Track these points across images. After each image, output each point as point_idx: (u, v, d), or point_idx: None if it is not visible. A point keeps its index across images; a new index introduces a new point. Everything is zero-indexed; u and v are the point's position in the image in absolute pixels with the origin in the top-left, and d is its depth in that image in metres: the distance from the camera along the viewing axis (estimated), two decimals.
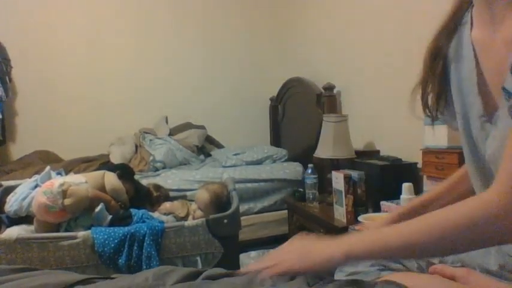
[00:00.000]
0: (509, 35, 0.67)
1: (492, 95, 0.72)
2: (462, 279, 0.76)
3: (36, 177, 1.95)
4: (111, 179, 1.91)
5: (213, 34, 3.70)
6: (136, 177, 2.24)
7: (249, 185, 2.72)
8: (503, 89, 0.67)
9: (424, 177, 1.82)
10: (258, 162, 3.01)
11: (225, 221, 1.73)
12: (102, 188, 1.85)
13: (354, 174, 1.97)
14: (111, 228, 1.68)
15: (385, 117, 2.36)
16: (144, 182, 2.38)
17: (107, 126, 3.41)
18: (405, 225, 0.70)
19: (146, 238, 1.66)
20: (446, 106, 0.84)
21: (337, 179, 2.00)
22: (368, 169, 2.02)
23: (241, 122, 3.76)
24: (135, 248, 1.65)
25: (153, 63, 3.58)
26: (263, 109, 3.78)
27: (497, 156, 0.70)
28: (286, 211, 2.62)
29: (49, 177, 1.91)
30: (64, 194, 1.70)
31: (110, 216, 1.78)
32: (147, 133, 3.28)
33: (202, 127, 3.49)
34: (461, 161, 1.67)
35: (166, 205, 2.06)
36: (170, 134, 3.33)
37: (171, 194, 2.30)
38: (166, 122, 3.51)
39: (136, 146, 3.21)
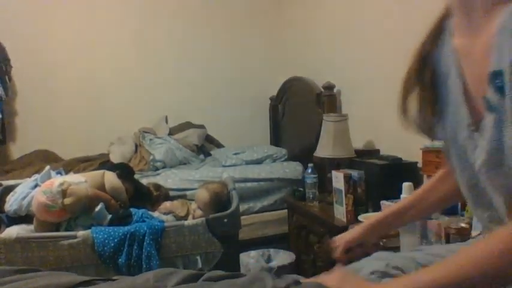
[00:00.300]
0: (487, 43, 0.66)
1: (477, 103, 0.71)
2: None
3: (36, 176, 1.95)
4: (110, 179, 1.91)
5: (213, 33, 3.69)
6: (136, 176, 2.24)
7: (249, 184, 2.72)
8: (484, 98, 0.67)
9: (425, 176, 1.82)
10: (258, 161, 3.01)
11: (225, 220, 1.73)
12: (102, 188, 1.85)
13: (354, 173, 1.97)
14: (111, 227, 1.68)
15: (385, 116, 2.35)
16: (144, 181, 2.38)
17: (106, 125, 3.41)
18: (451, 262, 0.67)
19: (146, 237, 1.66)
20: (434, 114, 0.83)
21: (337, 178, 2.00)
22: (368, 168, 2.02)
23: (241, 122, 3.76)
24: (135, 247, 1.65)
25: (152, 63, 3.57)
26: (263, 108, 3.77)
27: (487, 169, 0.69)
28: (286, 210, 2.62)
29: (49, 177, 1.91)
30: (64, 193, 1.70)
31: (109, 216, 1.78)
32: (146, 132, 3.28)
33: (202, 126, 3.48)
34: None
35: (166, 204, 2.06)
36: (170, 134, 3.33)
37: (171, 193, 2.30)
38: (166, 121, 3.50)
39: (136, 146, 3.21)
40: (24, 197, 1.81)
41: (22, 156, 3.16)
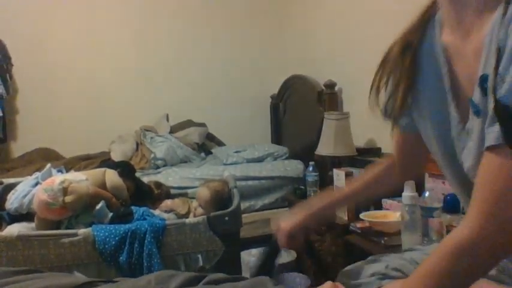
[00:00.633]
0: (478, 45, 0.65)
1: (466, 102, 0.70)
2: None
3: (37, 174, 1.95)
4: (112, 177, 1.90)
5: (214, 32, 3.69)
6: (137, 174, 2.24)
7: (250, 182, 2.72)
8: (471, 101, 0.66)
9: (426, 174, 1.82)
10: (259, 159, 3.00)
11: (226, 218, 1.72)
12: (103, 186, 1.85)
13: (355, 171, 1.97)
14: (112, 225, 1.68)
15: None
16: (145, 179, 2.38)
17: (107, 124, 3.41)
18: (407, 282, 0.68)
19: (147, 235, 1.65)
20: (413, 104, 0.82)
21: (339, 176, 2.00)
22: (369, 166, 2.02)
23: (242, 120, 3.75)
24: (136, 245, 1.65)
25: (153, 62, 3.57)
26: (264, 107, 3.77)
27: (476, 172, 0.68)
28: (287, 209, 2.62)
29: (50, 175, 1.91)
30: (65, 191, 1.70)
31: (110, 214, 1.78)
32: (147, 131, 3.28)
33: (203, 125, 3.48)
34: None
35: (167, 202, 2.05)
36: (171, 132, 3.33)
37: (172, 191, 2.29)
38: (167, 119, 3.50)
39: (137, 144, 3.21)
40: (25, 195, 1.81)
41: (23, 154, 3.17)
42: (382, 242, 1.56)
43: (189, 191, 2.38)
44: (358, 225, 1.76)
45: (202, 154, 3.28)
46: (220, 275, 0.84)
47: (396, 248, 1.36)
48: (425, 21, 0.79)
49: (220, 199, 1.93)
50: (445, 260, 0.62)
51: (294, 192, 2.57)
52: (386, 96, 0.85)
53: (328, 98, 2.72)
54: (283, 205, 2.71)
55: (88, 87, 3.43)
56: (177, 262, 1.69)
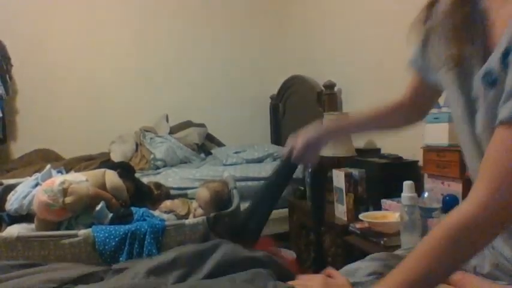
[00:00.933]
0: (509, 13, 0.64)
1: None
2: (458, 283, 0.76)
3: (37, 175, 1.95)
4: (111, 177, 1.90)
5: (214, 32, 3.69)
6: (136, 175, 2.24)
7: (250, 183, 2.72)
8: (488, 70, 0.65)
9: (425, 175, 1.82)
10: (259, 160, 3.00)
11: (226, 219, 1.72)
12: (103, 186, 1.85)
13: (355, 172, 1.97)
14: (112, 226, 1.68)
15: None
16: (145, 180, 2.38)
17: (107, 124, 3.41)
18: (403, 265, 0.67)
19: (147, 236, 1.65)
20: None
21: (338, 177, 2.00)
22: (369, 167, 2.02)
23: (242, 120, 3.76)
24: (136, 246, 1.65)
25: (153, 62, 3.58)
26: (264, 107, 3.77)
27: (485, 137, 0.69)
28: (286, 209, 2.62)
29: (50, 176, 1.91)
30: (65, 192, 1.70)
31: (110, 215, 1.78)
32: (147, 131, 3.28)
33: (202, 125, 3.48)
34: (462, 159, 1.67)
35: (167, 203, 2.05)
36: (170, 132, 3.33)
37: (172, 192, 2.29)
38: (167, 120, 3.50)
39: (136, 145, 3.21)
40: (25, 196, 1.81)
41: (23, 155, 3.17)
42: (382, 242, 1.57)
43: (188, 191, 2.38)
44: (358, 225, 1.77)
45: (202, 155, 3.28)
46: (236, 251, 0.84)
47: (395, 249, 1.36)
48: None
49: (220, 200, 1.93)
50: (445, 239, 0.62)
51: (294, 192, 2.57)
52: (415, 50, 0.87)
53: (328, 98, 2.72)
54: (283, 206, 2.71)
55: (88, 87, 3.43)
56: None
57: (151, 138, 3.17)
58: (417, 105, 1.05)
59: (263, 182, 1.15)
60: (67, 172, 2.17)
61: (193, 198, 2.08)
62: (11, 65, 3.13)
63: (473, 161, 0.79)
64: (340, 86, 2.78)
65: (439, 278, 0.64)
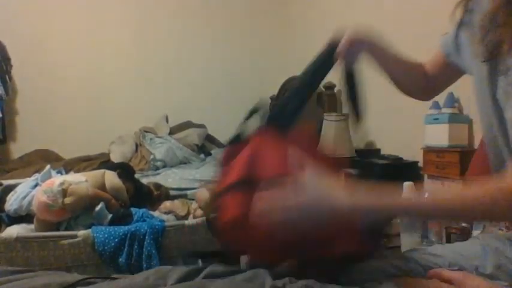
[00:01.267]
0: None
1: None
2: (459, 283, 0.76)
3: (37, 176, 1.95)
4: (111, 178, 1.90)
5: (214, 33, 3.69)
6: (136, 176, 2.24)
7: None
8: None
9: (425, 176, 1.82)
10: None
11: None
12: (103, 187, 1.85)
13: (355, 172, 1.96)
14: (112, 227, 1.68)
15: (386, 116, 2.36)
16: (145, 180, 2.37)
17: (107, 125, 3.41)
18: (442, 196, 0.76)
19: (146, 237, 1.65)
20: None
21: (338, 177, 2.00)
22: (369, 168, 2.02)
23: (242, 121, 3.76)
24: (136, 247, 1.65)
25: (153, 63, 3.57)
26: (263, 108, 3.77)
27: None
28: None
29: (49, 176, 1.91)
30: (64, 192, 1.70)
31: (110, 215, 1.78)
32: (147, 132, 3.28)
33: (202, 126, 3.48)
34: (462, 160, 1.67)
35: (167, 204, 2.05)
36: (170, 133, 3.33)
37: (172, 193, 2.29)
38: (167, 120, 3.50)
39: (136, 145, 3.21)
40: (25, 197, 1.81)
41: (22, 156, 3.16)
42: (382, 243, 1.56)
43: (188, 192, 2.38)
44: None
45: (202, 155, 3.27)
46: (219, 268, 0.83)
47: (395, 249, 1.36)
48: None
49: None
50: (485, 196, 0.69)
51: None
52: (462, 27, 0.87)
53: (328, 99, 2.72)
54: None
55: (87, 88, 3.43)
56: (176, 264, 1.69)
57: (151, 139, 3.17)
58: (432, 80, 1.06)
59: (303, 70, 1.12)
60: (67, 173, 2.17)
61: (193, 199, 2.08)
62: (11, 66, 3.13)
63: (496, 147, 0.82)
64: (340, 87, 2.78)
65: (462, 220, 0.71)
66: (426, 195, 0.79)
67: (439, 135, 1.75)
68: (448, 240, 1.35)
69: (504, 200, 0.68)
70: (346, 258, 0.84)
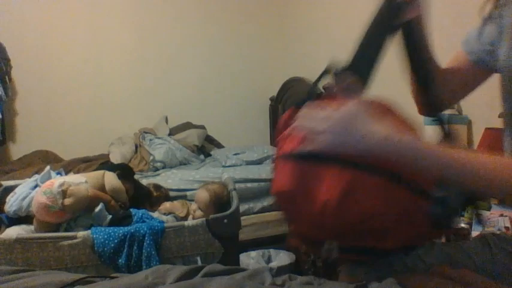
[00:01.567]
0: None
1: None
2: (461, 280, 0.76)
3: (36, 177, 1.95)
4: (111, 179, 1.90)
5: (213, 34, 3.70)
6: (136, 177, 2.24)
7: (249, 184, 2.72)
8: None
9: None
10: (258, 162, 3.01)
11: (225, 220, 1.72)
12: (102, 188, 1.85)
13: None
14: (111, 228, 1.68)
15: None
16: (144, 181, 2.38)
17: (106, 126, 3.41)
18: (466, 157, 0.70)
19: (146, 238, 1.65)
20: None
21: None
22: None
23: (241, 122, 3.76)
24: (135, 248, 1.65)
25: (153, 63, 3.58)
26: (263, 109, 3.77)
27: None
28: None
29: (49, 177, 1.91)
30: (64, 193, 1.70)
31: (109, 216, 1.78)
32: (147, 133, 3.28)
33: (202, 127, 3.48)
34: None
35: (166, 205, 2.05)
36: (170, 134, 3.33)
37: (171, 193, 2.29)
38: (166, 121, 3.50)
39: (136, 146, 3.21)
40: (24, 198, 1.80)
41: (22, 157, 3.16)
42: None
43: (188, 193, 2.38)
44: None
45: (202, 156, 3.28)
46: (218, 267, 0.83)
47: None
48: None
49: (219, 201, 1.93)
50: (506, 168, 0.67)
51: None
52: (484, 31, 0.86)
53: None
54: None
55: (87, 89, 3.43)
56: (176, 264, 1.69)
57: (150, 140, 3.17)
58: (455, 84, 0.99)
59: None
60: (66, 173, 2.17)
61: (192, 200, 2.08)
62: (11, 67, 3.13)
63: None
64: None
65: (474, 188, 0.71)
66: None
67: (439, 136, 1.74)
68: (448, 241, 1.35)
69: None
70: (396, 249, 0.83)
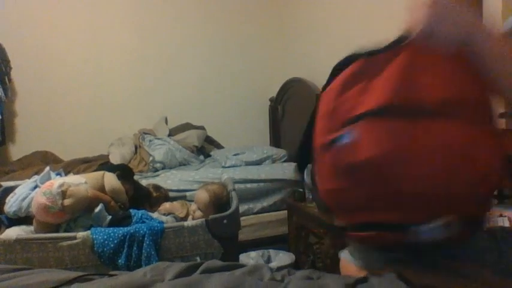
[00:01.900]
0: None
1: None
2: (470, 276, 0.76)
3: (36, 177, 1.95)
4: (110, 180, 1.91)
5: (213, 34, 3.70)
6: (135, 177, 2.24)
7: (249, 185, 2.72)
8: None
9: None
10: (258, 162, 3.01)
11: (225, 221, 1.73)
12: (102, 189, 1.85)
13: None
14: (111, 228, 1.68)
15: None
16: (144, 182, 2.38)
17: (106, 126, 3.41)
18: None
19: (146, 238, 1.66)
20: None
21: None
22: None
23: (241, 123, 3.76)
24: (135, 248, 1.65)
25: (152, 64, 3.58)
26: (263, 110, 3.77)
27: None
28: (285, 211, 2.61)
29: (48, 178, 1.91)
30: (63, 194, 1.70)
31: (109, 217, 1.78)
32: (146, 134, 3.28)
33: (201, 127, 3.49)
34: None
35: (166, 205, 2.05)
36: (170, 135, 3.33)
37: (171, 194, 2.30)
38: (166, 122, 3.51)
39: (135, 147, 3.21)
40: (24, 198, 1.81)
41: (22, 158, 3.16)
42: None
43: (187, 193, 2.38)
44: None
45: (201, 157, 3.28)
46: (217, 263, 0.83)
47: None
48: None
49: (219, 202, 1.93)
50: None
51: (293, 195, 2.57)
52: None
53: None
54: (282, 208, 2.71)
55: (87, 90, 3.43)
56: None
57: (150, 141, 3.17)
58: None
59: None
60: (66, 174, 2.17)
61: (192, 201, 2.08)
62: (10, 67, 3.13)
63: None
64: None
65: None
66: None
67: None
68: None
69: None
70: None
